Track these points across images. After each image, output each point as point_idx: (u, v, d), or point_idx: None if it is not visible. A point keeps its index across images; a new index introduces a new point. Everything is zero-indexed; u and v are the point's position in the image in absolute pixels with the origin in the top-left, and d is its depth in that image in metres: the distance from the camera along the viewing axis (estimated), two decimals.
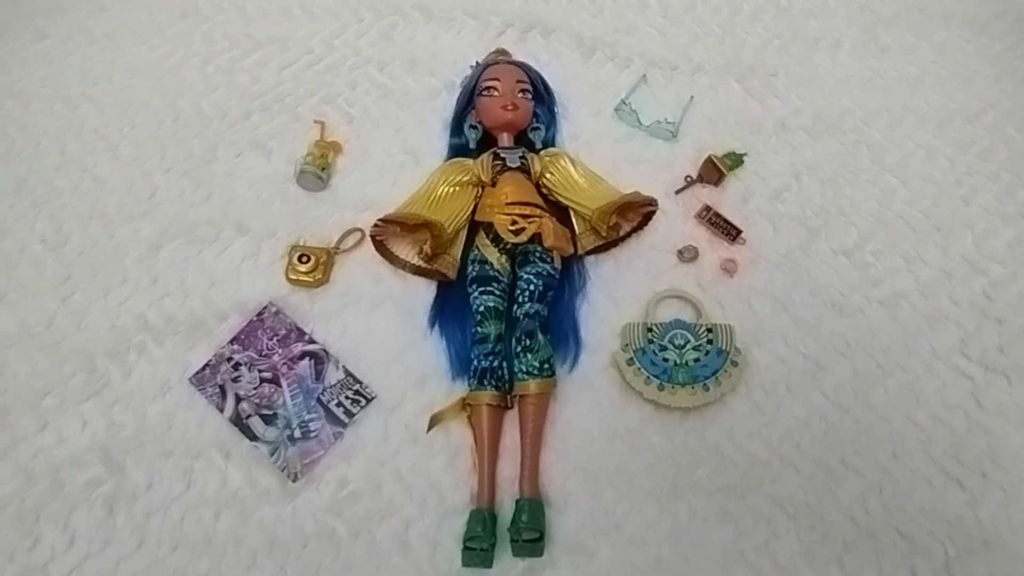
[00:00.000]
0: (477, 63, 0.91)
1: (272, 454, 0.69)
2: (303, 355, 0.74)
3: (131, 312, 0.76)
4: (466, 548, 0.64)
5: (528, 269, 0.75)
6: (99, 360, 0.73)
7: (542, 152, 0.83)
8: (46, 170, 0.85)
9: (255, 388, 0.72)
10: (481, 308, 0.74)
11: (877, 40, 1.00)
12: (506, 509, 0.67)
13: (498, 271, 0.75)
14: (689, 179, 0.86)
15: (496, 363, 0.72)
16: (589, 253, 0.80)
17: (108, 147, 0.87)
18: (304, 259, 0.77)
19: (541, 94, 0.88)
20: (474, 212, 0.79)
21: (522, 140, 0.85)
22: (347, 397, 0.72)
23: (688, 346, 0.74)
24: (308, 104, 0.91)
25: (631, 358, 0.73)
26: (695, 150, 0.88)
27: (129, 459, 0.68)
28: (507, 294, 0.75)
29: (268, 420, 0.71)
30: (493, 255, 0.75)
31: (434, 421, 0.70)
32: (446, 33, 0.99)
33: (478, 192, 0.80)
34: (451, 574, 0.65)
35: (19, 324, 0.74)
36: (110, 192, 0.84)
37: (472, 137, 0.85)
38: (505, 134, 0.83)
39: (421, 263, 0.77)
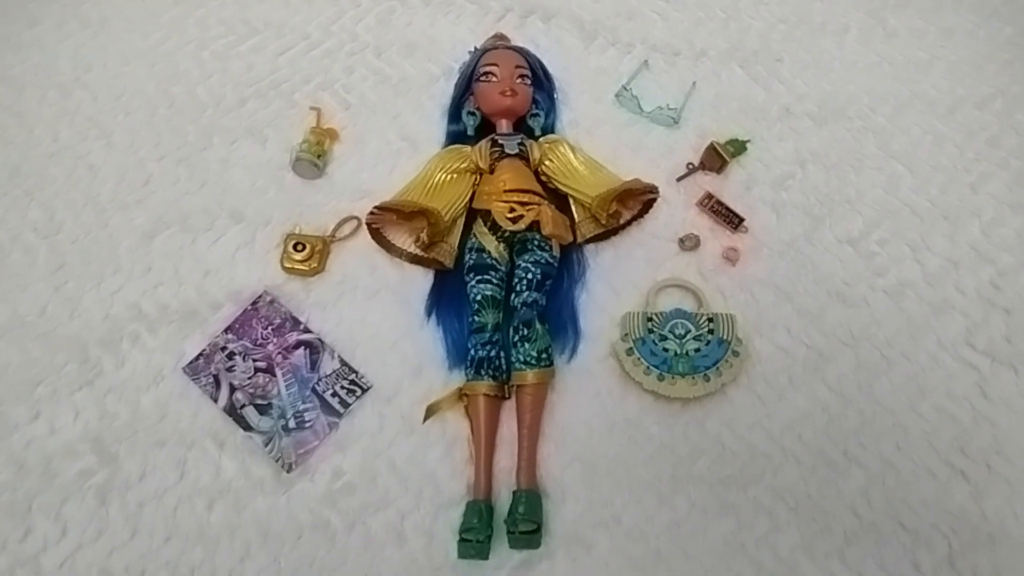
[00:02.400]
0: (475, 48, 0.90)
1: (266, 444, 0.69)
2: (298, 344, 0.73)
3: (124, 301, 0.75)
4: (462, 540, 0.63)
5: (526, 257, 0.74)
6: (92, 349, 0.72)
7: (541, 139, 0.82)
8: (39, 158, 0.84)
9: (249, 378, 0.72)
10: (478, 297, 0.73)
11: (885, 24, 0.98)
12: (503, 500, 0.66)
13: (496, 259, 0.74)
14: (691, 166, 0.84)
15: (493, 353, 0.71)
16: (588, 241, 0.79)
17: (102, 134, 0.86)
18: (299, 247, 0.76)
19: (540, 80, 0.86)
20: (472, 200, 0.78)
21: (521, 127, 0.83)
22: (342, 387, 0.71)
23: (689, 336, 0.73)
24: (304, 90, 0.90)
25: (631, 348, 0.72)
26: (697, 137, 0.87)
27: (122, 449, 0.68)
28: (505, 283, 0.74)
29: (262, 410, 0.70)
30: (491, 243, 0.74)
31: (430, 411, 0.69)
32: (444, 18, 0.98)
33: (476, 179, 0.79)
34: (447, 566, 0.64)
35: (11, 313, 0.74)
36: (104, 180, 0.83)
37: (470, 124, 0.83)
38: (503, 120, 0.81)
39: (418, 251, 0.76)
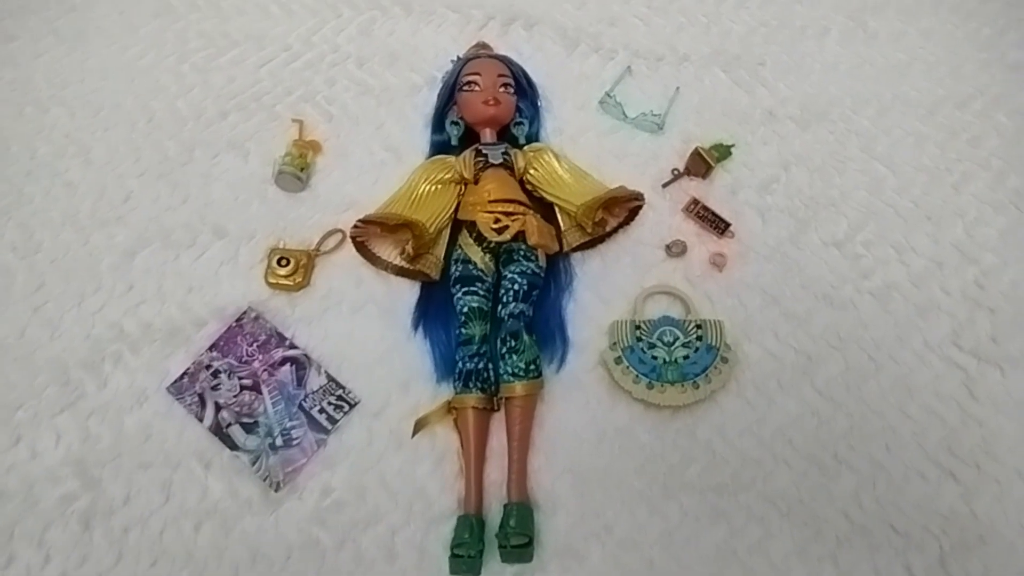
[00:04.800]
0: (458, 57, 0.89)
1: (253, 463, 0.68)
2: (284, 361, 0.72)
3: (106, 320, 0.74)
4: (453, 555, 0.62)
5: (512, 268, 0.73)
6: (73, 371, 0.71)
7: (525, 147, 0.81)
8: (15, 176, 0.83)
9: (235, 396, 0.71)
10: (465, 309, 0.72)
11: (865, 27, 0.99)
12: (494, 514, 0.66)
13: (482, 270, 0.73)
14: (676, 172, 0.84)
15: (481, 365, 0.70)
16: (575, 250, 0.78)
17: (80, 151, 0.85)
18: (284, 262, 0.75)
19: (524, 88, 0.86)
20: (457, 210, 0.77)
21: (505, 135, 0.83)
22: (330, 403, 0.71)
23: (677, 343, 0.73)
24: (286, 103, 0.89)
25: (619, 356, 0.72)
26: (682, 142, 0.87)
27: (105, 472, 0.66)
28: (491, 294, 0.74)
29: (249, 428, 0.69)
30: (476, 254, 0.74)
31: (419, 425, 0.68)
32: (426, 27, 0.97)
33: (461, 190, 0.78)
34: None
35: None
36: (83, 197, 0.81)
37: (454, 133, 0.83)
38: (487, 130, 0.81)
39: (403, 264, 0.75)
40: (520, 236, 0.73)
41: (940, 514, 0.66)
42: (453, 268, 0.75)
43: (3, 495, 0.65)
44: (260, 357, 0.73)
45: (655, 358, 0.72)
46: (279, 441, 0.69)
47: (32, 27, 0.95)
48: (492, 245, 0.74)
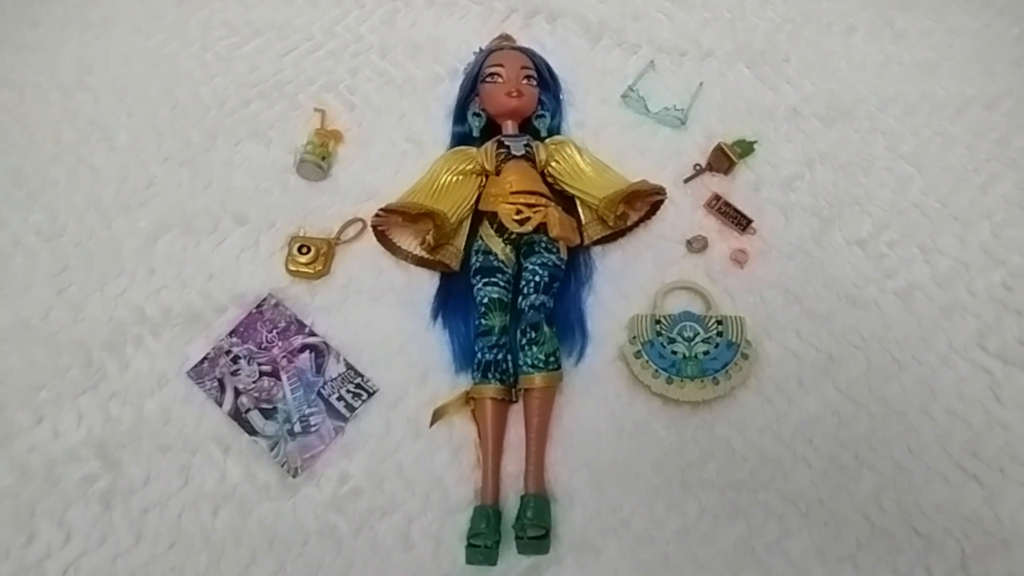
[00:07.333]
0: (481, 49, 0.89)
1: (272, 449, 0.68)
2: (303, 348, 0.73)
3: (128, 304, 0.74)
4: (470, 545, 0.62)
5: (533, 260, 0.73)
6: (96, 353, 0.71)
7: (547, 140, 0.81)
8: (41, 160, 0.83)
9: (254, 382, 0.71)
10: (485, 300, 0.72)
11: (892, 24, 0.98)
12: (511, 505, 0.66)
13: (502, 262, 0.73)
14: (698, 167, 0.84)
15: (500, 356, 0.70)
16: (596, 243, 0.78)
17: (104, 136, 0.85)
18: (304, 250, 0.75)
19: (546, 80, 0.86)
20: (478, 201, 0.77)
21: (527, 128, 0.83)
22: (348, 391, 0.71)
23: (697, 339, 0.72)
24: (308, 92, 0.89)
25: (639, 351, 0.71)
26: (704, 138, 0.86)
27: (126, 454, 0.67)
28: (512, 285, 0.73)
29: (268, 414, 0.70)
30: (497, 245, 0.74)
31: (437, 415, 0.68)
32: (449, 18, 0.97)
33: (482, 181, 0.78)
34: (454, 572, 0.63)
35: (14, 317, 0.73)
36: (106, 182, 0.82)
37: (476, 125, 0.82)
38: (509, 122, 0.81)
39: (424, 254, 0.75)
40: (542, 228, 0.73)
41: (962, 517, 0.65)
42: (473, 259, 0.74)
43: (25, 474, 0.66)
44: (280, 344, 0.73)
45: (675, 353, 0.71)
46: (297, 427, 0.69)
47: (58, 13, 0.96)
48: (513, 236, 0.74)
